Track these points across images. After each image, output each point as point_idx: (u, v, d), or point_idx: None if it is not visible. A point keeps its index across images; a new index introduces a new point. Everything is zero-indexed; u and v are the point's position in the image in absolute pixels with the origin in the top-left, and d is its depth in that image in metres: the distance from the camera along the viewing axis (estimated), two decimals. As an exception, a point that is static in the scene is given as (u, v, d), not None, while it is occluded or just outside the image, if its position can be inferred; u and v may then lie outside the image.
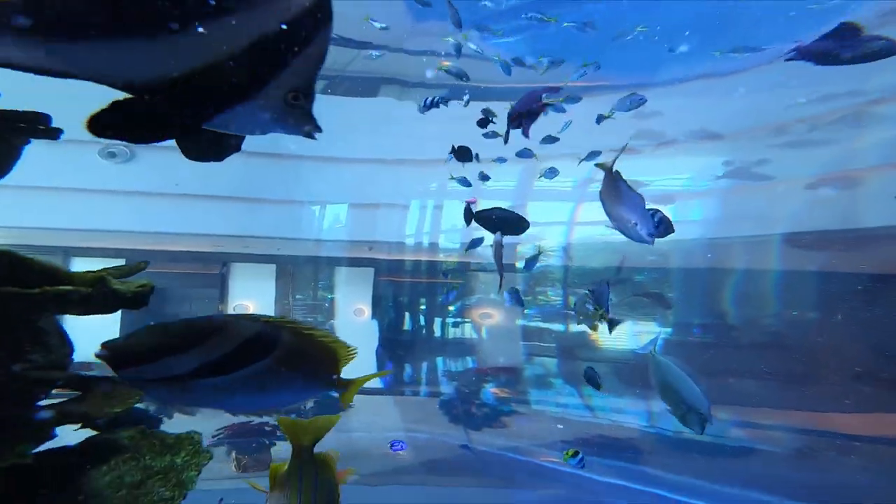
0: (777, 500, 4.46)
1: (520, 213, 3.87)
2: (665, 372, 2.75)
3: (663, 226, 2.97)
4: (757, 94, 5.63)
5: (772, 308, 5.68)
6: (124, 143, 5.90)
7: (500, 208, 3.88)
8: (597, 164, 2.71)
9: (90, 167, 6.26)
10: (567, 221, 7.29)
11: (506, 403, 7.37)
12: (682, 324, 6.32)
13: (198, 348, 1.08)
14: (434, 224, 8.01)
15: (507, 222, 3.81)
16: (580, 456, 3.89)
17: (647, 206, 2.85)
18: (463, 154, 4.63)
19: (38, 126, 1.60)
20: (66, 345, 1.62)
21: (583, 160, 5.02)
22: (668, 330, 6.37)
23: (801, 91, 5.31)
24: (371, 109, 6.30)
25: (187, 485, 1.33)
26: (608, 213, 2.67)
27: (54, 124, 1.76)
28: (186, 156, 1.27)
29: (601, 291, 3.49)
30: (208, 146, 1.30)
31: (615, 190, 2.60)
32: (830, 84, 5.08)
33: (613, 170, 2.60)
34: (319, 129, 0.94)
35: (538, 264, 7.52)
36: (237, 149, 1.37)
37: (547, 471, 6.25)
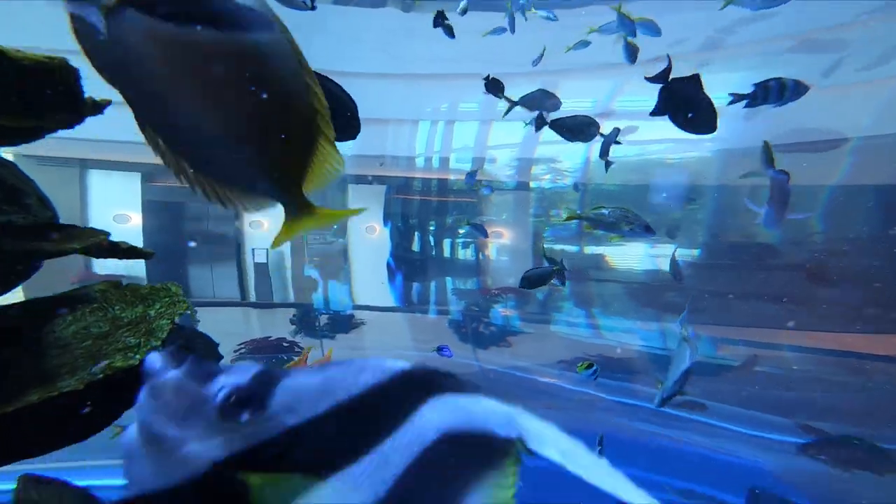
0: (770, 418, 4.50)
1: (590, 117, 3.65)
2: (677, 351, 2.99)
3: (799, 89, 2.70)
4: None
5: (810, 226, 5.29)
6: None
7: (574, 115, 3.69)
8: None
9: (88, 79, 6.01)
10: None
11: (514, 323, 7.45)
12: (710, 245, 6.03)
13: None
14: (445, 141, 7.73)
15: (581, 127, 3.63)
16: (594, 368, 3.88)
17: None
18: (494, 86, 4.32)
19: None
20: (49, 209, 1.55)
21: (571, 48, 4.59)
22: (697, 251, 6.11)
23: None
24: (378, 22, 5.88)
25: (157, 333, 1.26)
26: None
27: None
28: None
29: (610, 138, 3.40)
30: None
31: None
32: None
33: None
34: None
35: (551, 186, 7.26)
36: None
37: (552, 388, 6.41)
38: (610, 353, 6.21)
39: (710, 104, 2.46)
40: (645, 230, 3.37)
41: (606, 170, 3.54)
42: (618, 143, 3.43)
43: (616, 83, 6.52)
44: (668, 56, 2.53)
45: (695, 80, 2.41)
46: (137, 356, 1.21)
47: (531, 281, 3.94)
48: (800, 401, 4.81)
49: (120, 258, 1.63)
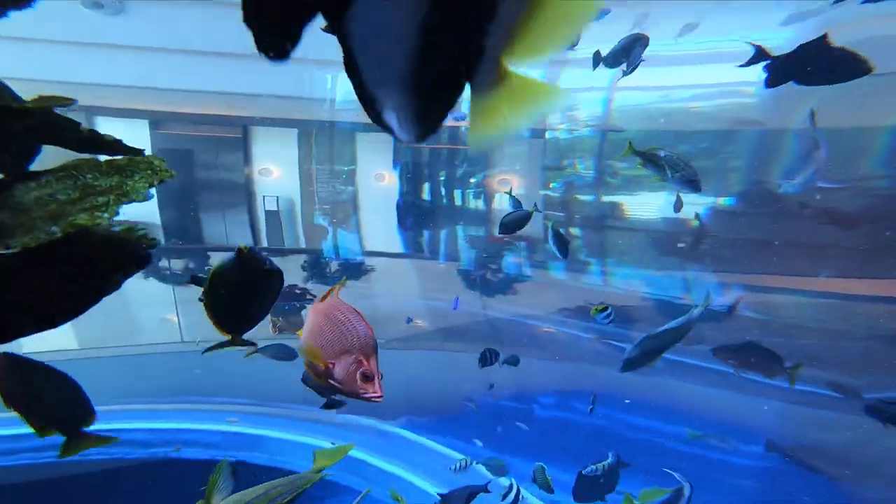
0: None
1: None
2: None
3: None
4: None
5: (858, 171, 4.91)
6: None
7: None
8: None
9: (75, 18, 5.68)
10: (606, 87, 6.60)
11: (524, 272, 7.37)
12: (743, 193, 5.74)
13: None
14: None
15: (629, 45, 3.44)
16: (609, 311, 3.82)
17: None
18: None
19: None
20: (17, 101, 1.45)
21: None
22: (728, 200, 5.85)
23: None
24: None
25: (131, 194, 1.15)
26: None
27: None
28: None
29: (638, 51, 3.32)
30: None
31: None
32: None
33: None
34: None
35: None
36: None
37: (557, 336, 6.39)
38: (619, 302, 6.11)
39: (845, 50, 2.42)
40: (689, 183, 3.21)
41: (626, 74, 3.41)
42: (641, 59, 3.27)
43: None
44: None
45: (822, 39, 2.44)
46: (106, 214, 1.11)
47: (508, 226, 3.86)
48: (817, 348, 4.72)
49: (105, 153, 1.53)
